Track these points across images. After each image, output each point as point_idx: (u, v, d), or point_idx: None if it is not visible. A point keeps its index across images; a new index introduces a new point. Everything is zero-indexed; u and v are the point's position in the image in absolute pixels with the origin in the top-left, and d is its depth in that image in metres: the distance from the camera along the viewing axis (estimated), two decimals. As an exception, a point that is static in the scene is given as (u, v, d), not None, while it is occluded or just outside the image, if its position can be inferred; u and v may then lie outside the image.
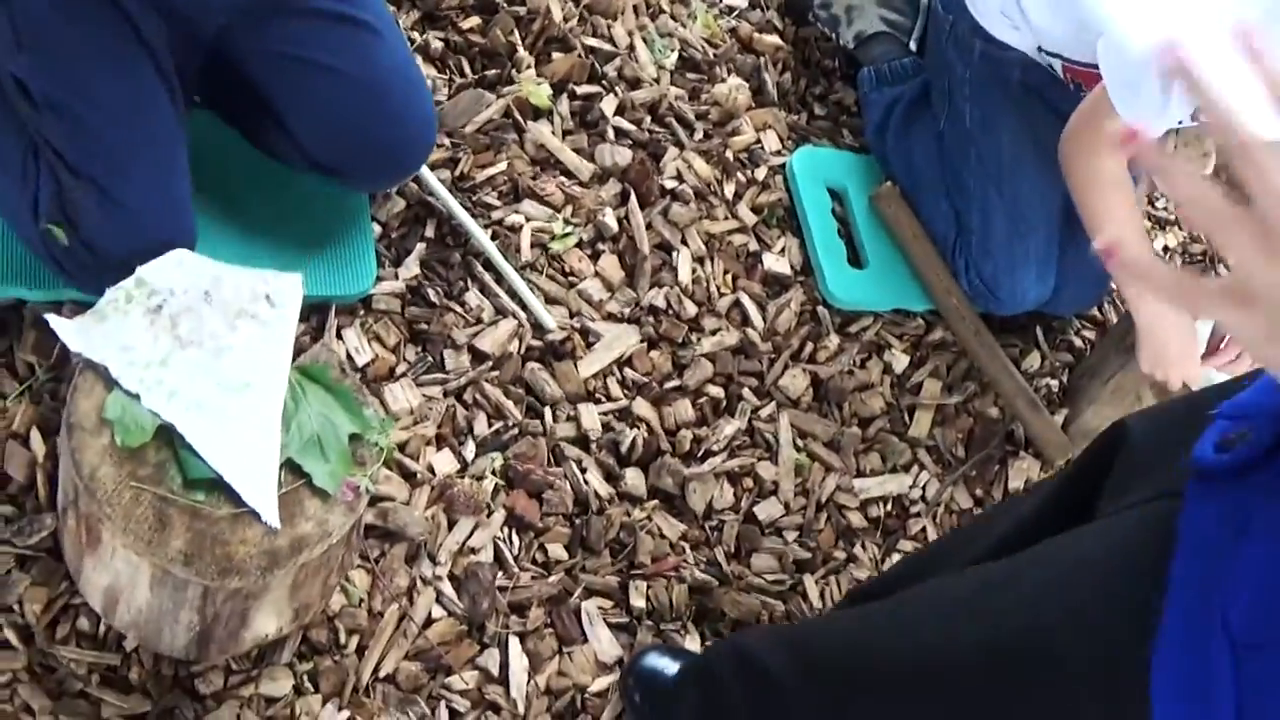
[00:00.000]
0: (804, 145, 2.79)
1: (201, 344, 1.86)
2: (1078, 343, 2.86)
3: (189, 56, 1.97)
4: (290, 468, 1.78)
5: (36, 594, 1.88)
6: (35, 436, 2.00)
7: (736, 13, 2.92)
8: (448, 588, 2.10)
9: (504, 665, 2.09)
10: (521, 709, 2.06)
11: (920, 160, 2.70)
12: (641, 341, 2.43)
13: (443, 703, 2.02)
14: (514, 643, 2.10)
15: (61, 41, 1.86)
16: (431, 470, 2.18)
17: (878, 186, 2.72)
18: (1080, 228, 2.42)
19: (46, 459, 1.98)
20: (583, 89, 2.63)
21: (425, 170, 2.31)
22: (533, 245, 2.43)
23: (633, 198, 2.54)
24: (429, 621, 2.08)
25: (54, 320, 1.86)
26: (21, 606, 1.87)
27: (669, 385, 2.41)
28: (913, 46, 2.83)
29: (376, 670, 2.01)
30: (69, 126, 1.87)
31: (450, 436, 2.22)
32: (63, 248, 1.89)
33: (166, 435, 1.76)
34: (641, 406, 2.37)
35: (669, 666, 2.07)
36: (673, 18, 2.82)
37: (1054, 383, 2.76)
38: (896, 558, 2.44)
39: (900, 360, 2.63)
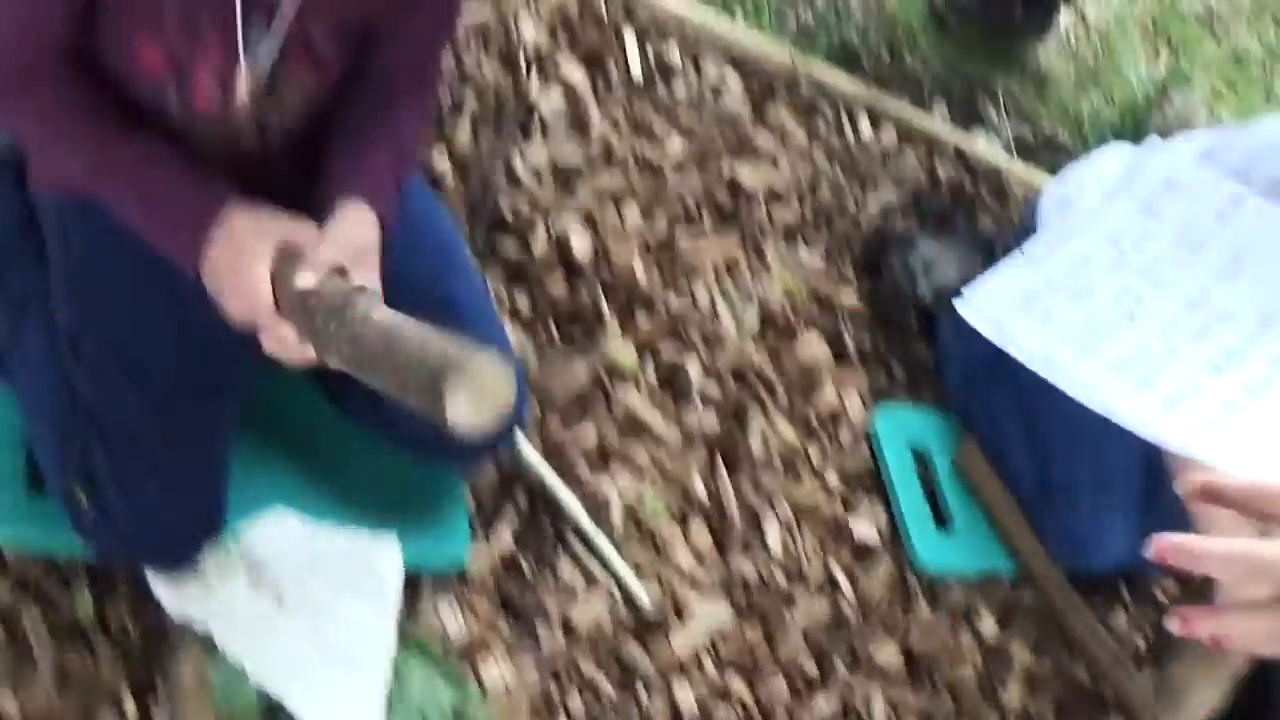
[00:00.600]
0: (885, 404, 2.74)
1: (306, 613, 1.81)
2: (1162, 597, 2.79)
3: None
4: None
5: None
6: (128, 698, 1.92)
7: (813, 269, 2.89)
8: None
9: None
10: None
11: (1003, 414, 2.65)
12: (734, 614, 2.36)
13: None
14: None
15: (113, 299, 1.83)
16: (524, 753, 2.10)
17: (960, 446, 2.67)
18: (1167, 479, 2.36)
19: None
20: (667, 351, 2.60)
21: (519, 438, 2.25)
22: (623, 514, 2.37)
23: (721, 464, 2.49)
24: None
25: (154, 581, 1.81)
26: None
27: (762, 659, 2.34)
28: None
29: None
30: (103, 392, 1.82)
31: (544, 713, 2.14)
32: (83, 510, 1.83)
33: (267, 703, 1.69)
34: (735, 682, 2.29)
35: None
36: (752, 275, 2.79)
37: (1141, 641, 2.68)
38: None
39: (989, 625, 2.56)
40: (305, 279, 1.58)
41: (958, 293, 2.77)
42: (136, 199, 1.73)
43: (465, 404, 1.38)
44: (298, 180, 1.88)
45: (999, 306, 1.72)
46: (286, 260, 1.62)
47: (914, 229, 3.00)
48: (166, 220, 1.72)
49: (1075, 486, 2.52)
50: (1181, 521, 2.58)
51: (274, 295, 1.62)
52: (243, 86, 1.74)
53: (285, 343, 1.63)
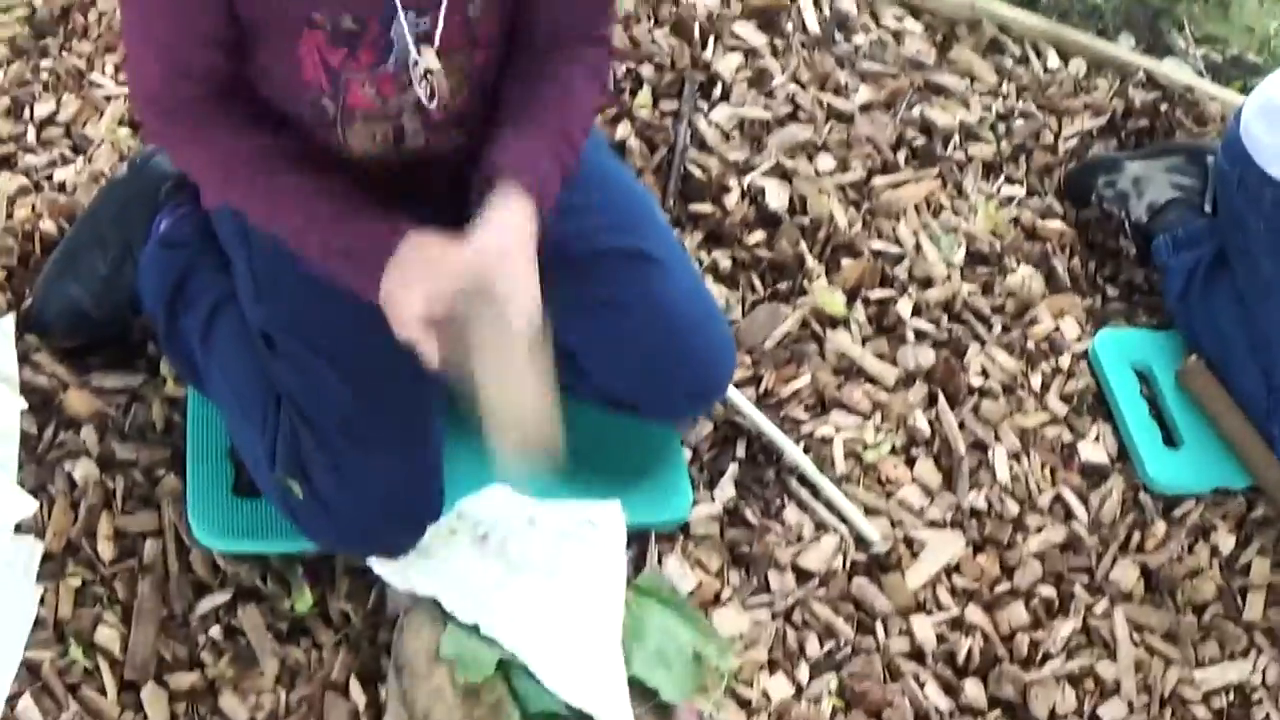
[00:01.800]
0: (1103, 328, 2.65)
1: (533, 568, 1.80)
2: None
3: None
4: (635, 686, 1.68)
5: None
6: (355, 685, 1.95)
7: (1016, 201, 2.81)
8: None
9: None
10: None
11: (1225, 324, 2.55)
12: (967, 546, 2.30)
13: None
14: None
15: (303, 294, 1.83)
16: (767, 696, 2.06)
17: (1183, 362, 2.57)
18: None
19: (368, 708, 1.93)
20: (876, 293, 2.55)
21: (731, 390, 2.23)
22: (846, 456, 2.33)
23: (941, 399, 2.44)
24: None
25: (376, 564, 1.82)
26: None
27: (999, 589, 2.27)
28: (1207, 209, 2.69)
29: None
30: (307, 382, 1.83)
31: (783, 660, 2.11)
32: (297, 501, 1.83)
33: (502, 670, 1.68)
34: (974, 614, 2.23)
35: None
36: (954, 213, 2.73)
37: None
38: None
39: (1227, 541, 2.45)
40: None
41: (1173, 208, 2.69)
42: (317, 243, 1.72)
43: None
44: (465, 174, 1.86)
45: None
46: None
47: (1117, 153, 2.90)
48: (346, 260, 1.71)
49: None
50: None
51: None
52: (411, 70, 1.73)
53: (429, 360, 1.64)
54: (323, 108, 1.74)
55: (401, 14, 1.66)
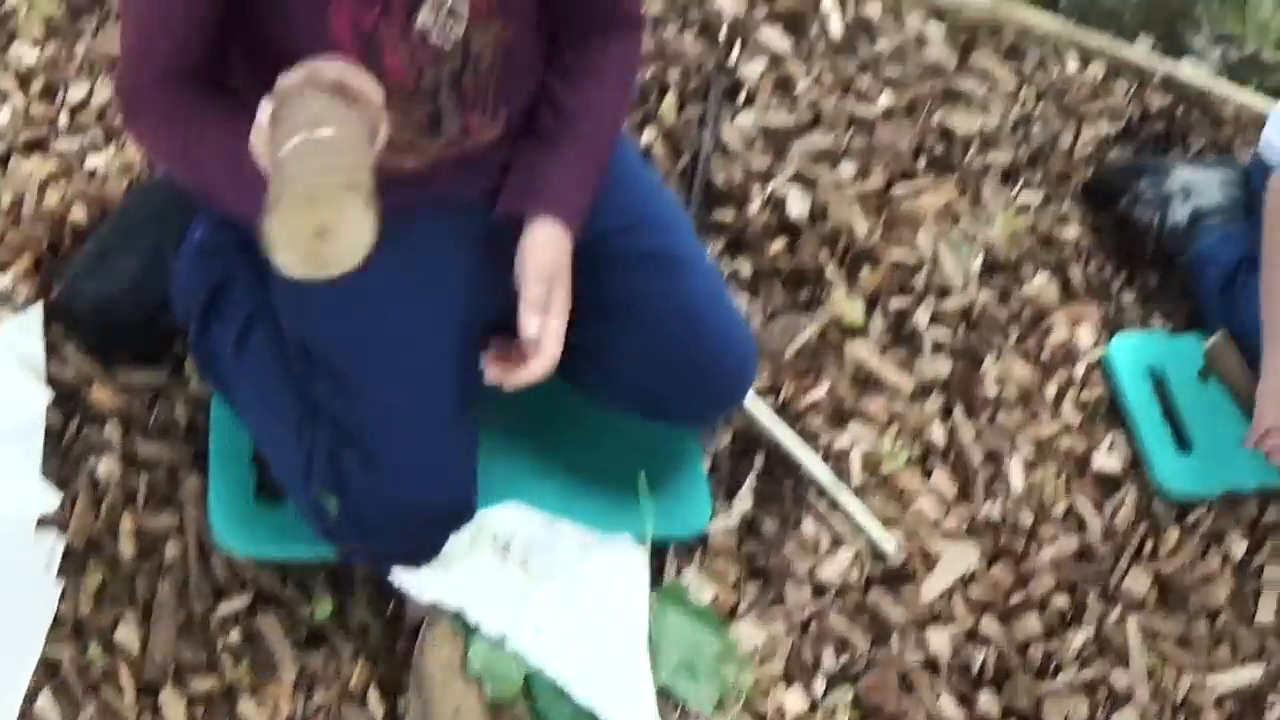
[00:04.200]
0: (1119, 332, 2.59)
1: (556, 577, 1.75)
2: None
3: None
4: (662, 695, 1.64)
5: None
6: (373, 695, 1.91)
7: (1033, 208, 2.74)
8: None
9: None
10: None
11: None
12: (982, 557, 2.24)
13: None
14: None
15: (343, 307, 1.76)
16: (781, 713, 2.02)
17: (1211, 340, 2.51)
18: None
19: (386, 718, 1.89)
20: (894, 302, 2.48)
21: (751, 400, 2.16)
22: (863, 468, 2.27)
23: (957, 409, 2.37)
24: None
25: (398, 574, 1.77)
26: None
27: (1014, 600, 2.22)
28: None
29: None
30: (345, 393, 1.77)
31: (798, 674, 2.05)
32: (331, 516, 1.77)
33: (524, 686, 1.63)
34: (989, 625, 2.18)
35: None
36: (973, 220, 2.66)
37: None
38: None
39: (1239, 546, 2.40)
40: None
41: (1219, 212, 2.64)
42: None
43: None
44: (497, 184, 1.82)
45: None
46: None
47: (1157, 158, 2.84)
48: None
49: None
50: None
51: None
52: (430, 32, 1.64)
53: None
54: None
55: None
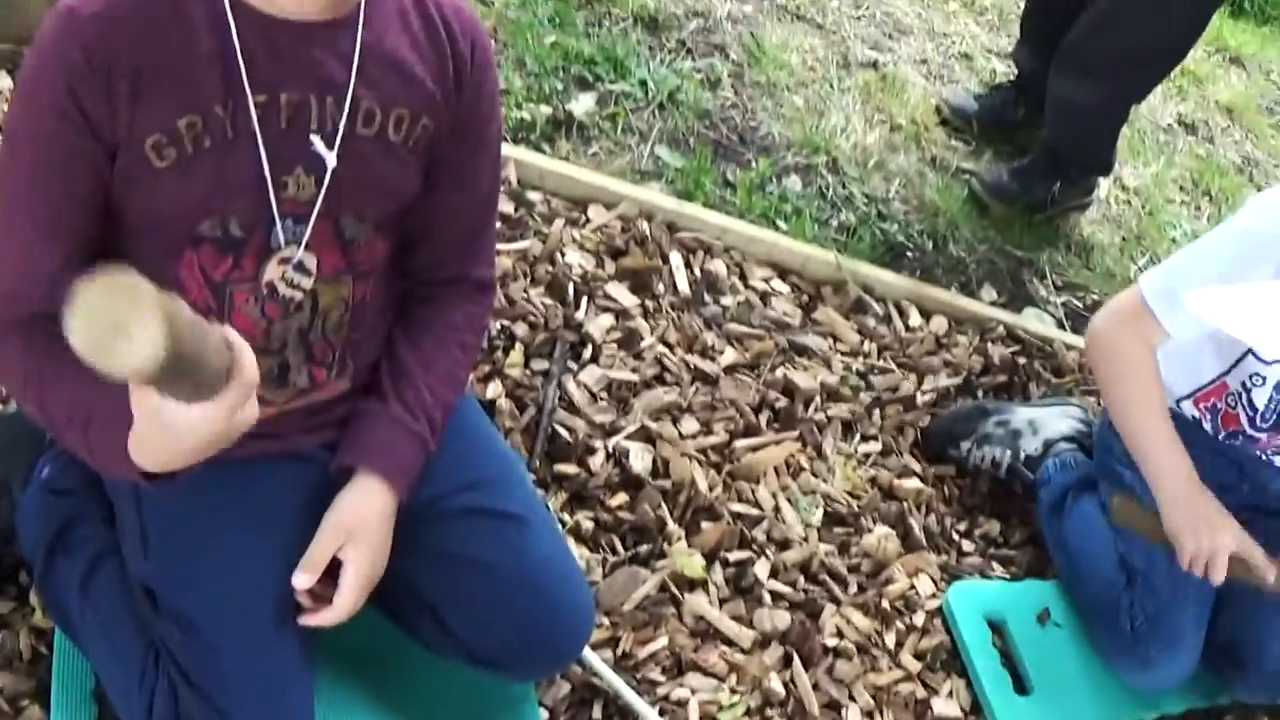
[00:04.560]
0: (956, 582, 2.64)
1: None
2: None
3: None
4: None
5: None
6: None
7: (872, 460, 2.81)
8: None
9: None
10: None
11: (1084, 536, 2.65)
12: (820, 810, 2.24)
13: None
14: None
15: (191, 551, 1.78)
16: None
17: (1112, 500, 2.59)
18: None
19: None
20: (734, 555, 2.51)
21: (588, 652, 2.18)
22: (701, 718, 2.27)
23: (796, 660, 2.39)
24: None
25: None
26: None
27: None
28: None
29: None
30: (190, 640, 1.77)
31: None
32: None
33: None
34: None
35: None
36: (813, 474, 2.72)
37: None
38: None
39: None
40: None
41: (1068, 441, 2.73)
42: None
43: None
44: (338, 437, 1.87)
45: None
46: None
47: (999, 401, 2.95)
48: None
49: (1154, 571, 2.52)
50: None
51: None
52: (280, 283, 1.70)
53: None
54: None
55: (279, 223, 1.65)
